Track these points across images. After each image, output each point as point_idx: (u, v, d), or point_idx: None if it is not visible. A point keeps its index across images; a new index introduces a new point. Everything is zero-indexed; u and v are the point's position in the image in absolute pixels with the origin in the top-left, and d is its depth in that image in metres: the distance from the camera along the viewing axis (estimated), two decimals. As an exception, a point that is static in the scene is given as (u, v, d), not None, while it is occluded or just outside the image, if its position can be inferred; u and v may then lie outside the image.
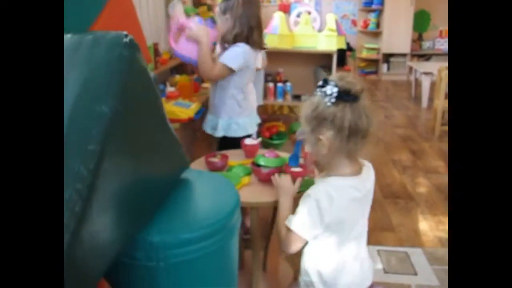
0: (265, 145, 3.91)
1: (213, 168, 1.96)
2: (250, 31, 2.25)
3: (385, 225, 2.82)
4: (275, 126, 3.78)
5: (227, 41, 2.28)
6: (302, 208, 1.32)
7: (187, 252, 1.09)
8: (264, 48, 2.41)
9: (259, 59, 2.59)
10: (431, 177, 3.63)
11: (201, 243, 1.11)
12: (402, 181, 3.53)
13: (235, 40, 2.25)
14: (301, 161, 1.89)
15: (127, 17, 1.43)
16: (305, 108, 1.32)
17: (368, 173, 1.38)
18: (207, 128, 2.44)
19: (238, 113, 2.37)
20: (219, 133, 2.39)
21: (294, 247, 1.35)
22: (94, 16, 1.16)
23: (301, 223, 1.31)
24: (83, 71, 0.85)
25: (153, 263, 1.07)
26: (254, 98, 2.49)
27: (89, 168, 0.80)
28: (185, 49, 2.30)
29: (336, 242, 1.34)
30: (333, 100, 1.23)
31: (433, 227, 2.81)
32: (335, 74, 1.29)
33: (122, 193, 0.93)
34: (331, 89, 1.23)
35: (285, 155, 2.09)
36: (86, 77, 0.84)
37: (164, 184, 1.18)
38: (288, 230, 1.34)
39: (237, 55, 2.24)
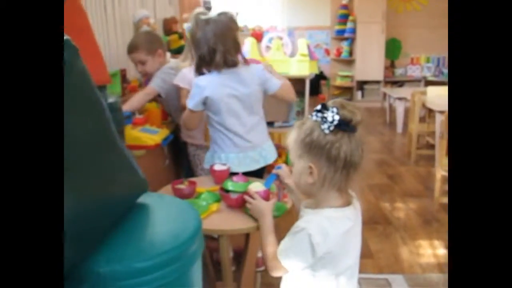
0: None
1: (180, 195, 1.86)
2: (211, 53, 2.05)
3: (363, 251, 2.66)
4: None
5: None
6: (292, 241, 1.23)
7: (141, 283, 0.96)
8: (239, 63, 2.13)
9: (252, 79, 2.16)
10: (409, 201, 3.57)
11: (157, 273, 0.98)
12: (379, 206, 3.46)
13: (199, 68, 2.12)
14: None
15: (81, 32, 1.34)
16: (295, 132, 1.23)
17: (357, 204, 1.30)
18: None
19: (222, 147, 2.20)
20: (205, 165, 2.27)
21: (278, 274, 1.30)
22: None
23: (289, 257, 1.23)
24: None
25: (100, 298, 0.94)
26: (254, 133, 2.23)
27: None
28: None
29: (324, 275, 1.24)
30: (332, 128, 1.15)
31: (414, 252, 2.72)
32: (335, 100, 1.21)
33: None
34: (332, 116, 1.15)
35: (254, 179, 2.00)
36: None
37: (114, 207, 1.06)
38: (275, 257, 1.26)
39: (194, 94, 2.11)
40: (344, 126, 1.16)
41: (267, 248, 1.36)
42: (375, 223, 3.13)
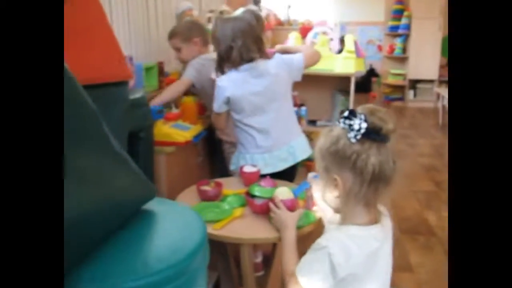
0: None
1: (205, 197, 1.78)
2: (228, 51, 2.01)
3: (402, 264, 2.54)
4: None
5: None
6: (312, 259, 1.12)
7: (128, 306, 0.87)
8: (261, 56, 2.07)
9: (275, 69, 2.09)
10: (457, 211, 3.33)
11: (150, 294, 0.89)
12: (423, 215, 3.25)
13: (219, 67, 2.10)
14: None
15: (92, 24, 1.26)
16: (322, 140, 1.14)
17: (387, 221, 1.19)
18: None
19: (247, 147, 2.13)
20: (232, 166, 2.22)
21: None
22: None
23: (308, 276, 1.11)
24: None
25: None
26: (280, 128, 2.12)
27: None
28: None
29: None
30: (359, 137, 1.04)
31: (457, 268, 2.52)
32: (365, 106, 1.10)
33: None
34: (359, 124, 1.04)
35: (284, 183, 1.88)
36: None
37: (111, 214, 0.96)
38: (294, 274, 1.15)
39: (216, 96, 2.08)
40: (373, 135, 1.05)
41: (286, 264, 1.27)
42: (417, 234, 2.94)
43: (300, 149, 2.17)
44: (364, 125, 1.04)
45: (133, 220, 1.07)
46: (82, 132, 0.87)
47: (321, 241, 1.13)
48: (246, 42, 2.00)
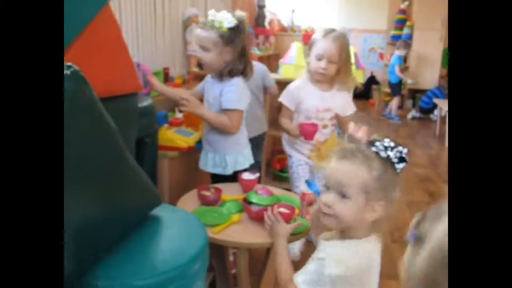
0: (274, 177, 3.82)
1: (205, 201, 1.88)
2: (246, 64, 2.21)
3: (390, 272, 2.61)
4: (286, 158, 3.67)
5: (224, 74, 2.17)
6: (312, 271, 1.21)
7: (137, 301, 0.98)
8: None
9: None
10: (447, 222, 3.43)
11: (154, 292, 1.00)
12: (414, 225, 3.35)
13: (232, 74, 2.17)
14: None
15: (110, 42, 1.37)
16: (362, 167, 1.14)
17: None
18: (208, 166, 2.30)
19: (245, 144, 2.31)
20: (229, 171, 2.25)
21: None
22: (73, 33, 1.11)
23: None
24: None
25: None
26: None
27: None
28: None
29: None
30: (400, 168, 1.12)
31: (443, 278, 2.62)
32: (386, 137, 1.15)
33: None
34: (405, 154, 1.12)
35: (279, 192, 2.00)
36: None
37: (121, 221, 1.08)
38: (293, 283, 1.23)
39: (241, 95, 2.18)
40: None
41: (282, 271, 1.35)
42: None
43: None
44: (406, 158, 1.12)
45: (142, 225, 1.18)
46: (105, 148, 0.98)
47: (320, 254, 1.21)
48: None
